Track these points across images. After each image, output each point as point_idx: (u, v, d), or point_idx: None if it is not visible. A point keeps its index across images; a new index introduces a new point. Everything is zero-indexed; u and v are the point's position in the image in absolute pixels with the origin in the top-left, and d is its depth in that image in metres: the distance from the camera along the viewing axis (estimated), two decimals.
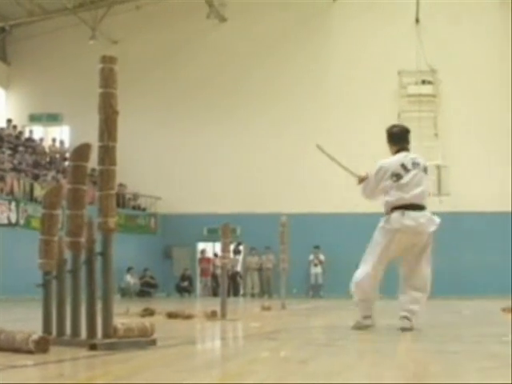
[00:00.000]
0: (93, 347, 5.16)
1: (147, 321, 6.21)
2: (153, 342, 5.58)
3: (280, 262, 15.60)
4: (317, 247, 28.60)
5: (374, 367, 4.32)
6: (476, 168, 28.45)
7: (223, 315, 10.11)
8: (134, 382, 3.64)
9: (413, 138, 25.86)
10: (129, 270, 27.88)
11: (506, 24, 29.48)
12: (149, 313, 10.85)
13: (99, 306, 5.35)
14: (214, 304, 11.89)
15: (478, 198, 27.57)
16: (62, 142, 31.32)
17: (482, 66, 29.35)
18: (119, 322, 5.48)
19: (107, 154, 5.44)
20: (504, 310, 12.98)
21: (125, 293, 27.34)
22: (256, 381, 3.73)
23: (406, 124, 32.23)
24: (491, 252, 27.63)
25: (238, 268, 30.38)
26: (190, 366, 4.40)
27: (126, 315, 10.50)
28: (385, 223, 8.07)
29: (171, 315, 10.22)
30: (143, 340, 5.53)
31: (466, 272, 27.34)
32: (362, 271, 8.29)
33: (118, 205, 28.60)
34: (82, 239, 5.67)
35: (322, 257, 28.81)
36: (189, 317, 10.09)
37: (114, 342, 5.26)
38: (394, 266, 8.47)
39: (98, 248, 5.51)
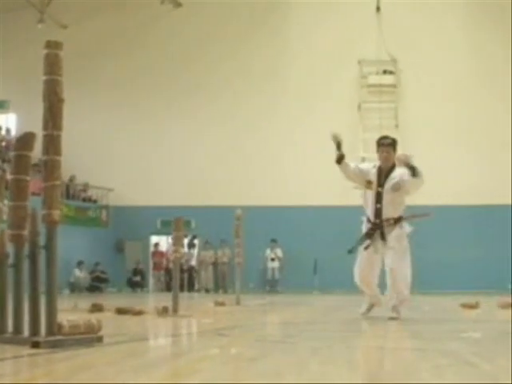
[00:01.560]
0: (35, 345, 5.11)
1: (94, 317, 6.16)
2: (99, 340, 5.55)
3: (235, 257, 15.59)
4: (274, 241, 28.64)
5: (325, 365, 4.34)
6: (437, 160, 28.67)
7: (175, 311, 10.07)
8: (75, 382, 3.60)
9: (373, 130, 26.49)
10: (79, 264, 27.69)
11: (469, 13, 29.78)
12: (97, 308, 10.79)
13: (43, 301, 5.30)
14: (167, 299, 11.85)
15: (438, 191, 27.76)
16: (8, 131, 30.93)
17: (445, 56, 29.55)
18: (65, 318, 5.44)
19: (52, 143, 5.39)
20: (463, 305, 13.16)
21: (74, 288, 27.18)
22: (202, 380, 3.72)
23: (367, 115, 32.66)
24: (452, 247, 27.89)
25: (193, 262, 30.33)
26: (136, 364, 4.37)
27: (73, 311, 10.44)
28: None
29: (121, 311, 10.18)
30: (89, 337, 5.49)
31: (427, 268, 27.50)
32: None
33: (68, 196, 28.41)
34: (25, 232, 5.61)
35: (279, 252, 28.83)
36: (139, 313, 10.06)
37: (59, 339, 5.22)
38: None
39: (41, 241, 5.45)
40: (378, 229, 9.29)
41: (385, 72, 29.92)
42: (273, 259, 28.87)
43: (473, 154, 28.87)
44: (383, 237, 9.26)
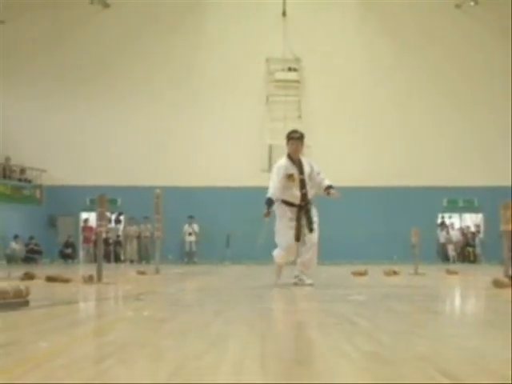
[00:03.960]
0: None
1: (23, 284, 6.04)
2: (26, 304, 5.44)
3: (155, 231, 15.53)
4: (191, 217, 28.61)
5: (227, 325, 4.36)
6: (335, 147, 29.04)
7: (99, 279, 9.96)
8: None
9: (279, 120, 26.53)
10: (15, 237, 27.21)
11: (362, 19, 30.20)
12: (29, 277, 10.60)
13: None
14: (94, 269, 11.71)
15: (338, 176, 28.03)
16: None
17: (341, 55, 29.95)
18: None
19: None
20: (354, 273, 13.45)
21: (10, 259, 26.69)
22: (115, 338, 3.68)
23: (274, 107, 32.62)
24: (347, 223, 28.32)
25: (119, 236, 30.07)
26: (54, 325, 4.29)
27: (6, 279, 10.22)
28: None
29: (50, 279, 10.01)
30: (17, 302, 5.38)
31: (326, 241, 27.77)
32: None
33: (5, 176, 27.82)
34: None
35: (196, 227, 28.86)
36: (67, 280, 9.91)
37: None
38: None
39: None
40: (305, 211, 9.45)
41: (289, 69, 30.14)
42: (190, 234, 28.87)
43: (366, 142, 29.35)
44: (309, 216, 9.41)
